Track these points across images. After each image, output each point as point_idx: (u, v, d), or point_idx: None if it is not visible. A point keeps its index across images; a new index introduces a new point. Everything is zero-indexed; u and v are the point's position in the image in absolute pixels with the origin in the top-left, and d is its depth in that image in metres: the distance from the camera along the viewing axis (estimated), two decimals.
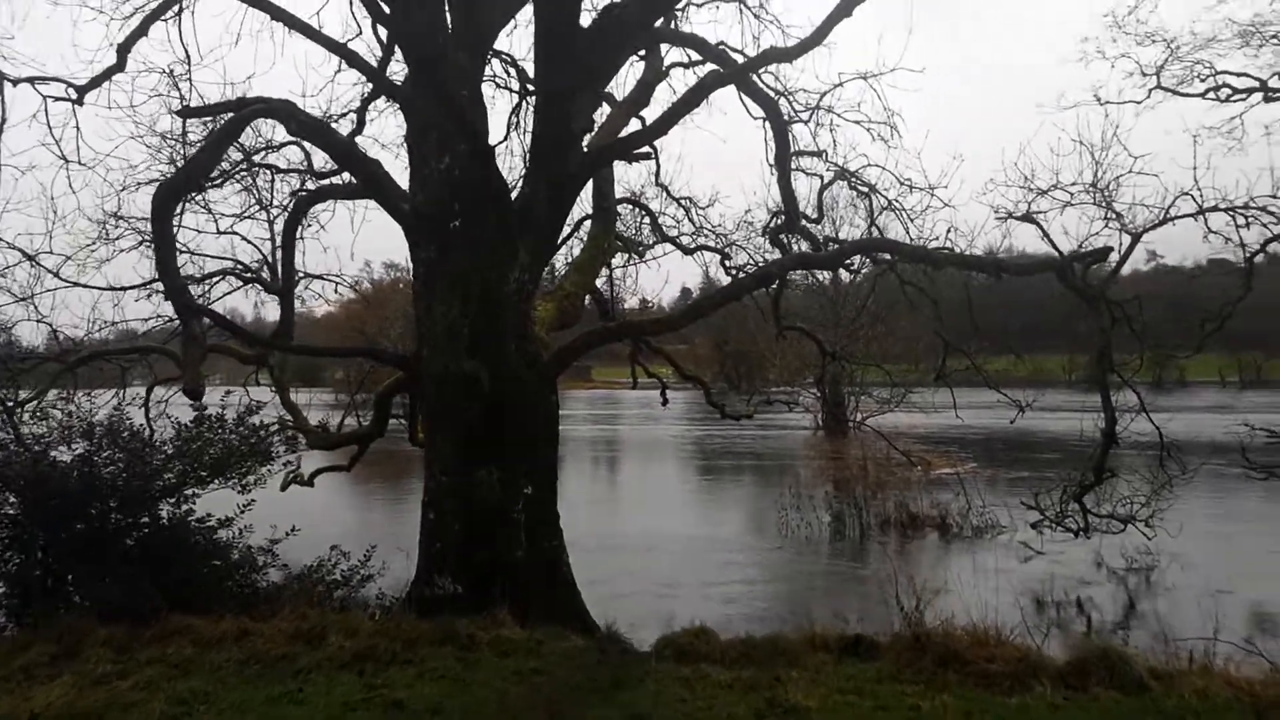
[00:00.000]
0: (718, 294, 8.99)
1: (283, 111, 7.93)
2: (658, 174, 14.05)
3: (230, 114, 8.01)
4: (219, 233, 12.02)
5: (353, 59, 8.06)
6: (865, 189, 11.78)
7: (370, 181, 8.40)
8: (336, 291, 14.72)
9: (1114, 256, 9.87)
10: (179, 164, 11.00)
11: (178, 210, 11.55)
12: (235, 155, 11.45)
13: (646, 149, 9.07)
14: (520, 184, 8.78)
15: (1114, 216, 10.24)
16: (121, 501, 7.67)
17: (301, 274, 13.75)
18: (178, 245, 11.88)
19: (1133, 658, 5.61)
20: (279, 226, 12.71)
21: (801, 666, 5.85)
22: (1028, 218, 10.11)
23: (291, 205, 10.86)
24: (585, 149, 8.83)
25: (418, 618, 7.67)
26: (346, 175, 10.07)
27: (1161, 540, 11.97)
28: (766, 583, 12.11)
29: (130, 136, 10.42)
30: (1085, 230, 10.15)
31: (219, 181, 11.63)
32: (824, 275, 35.65)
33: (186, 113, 8.28)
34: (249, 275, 11.36)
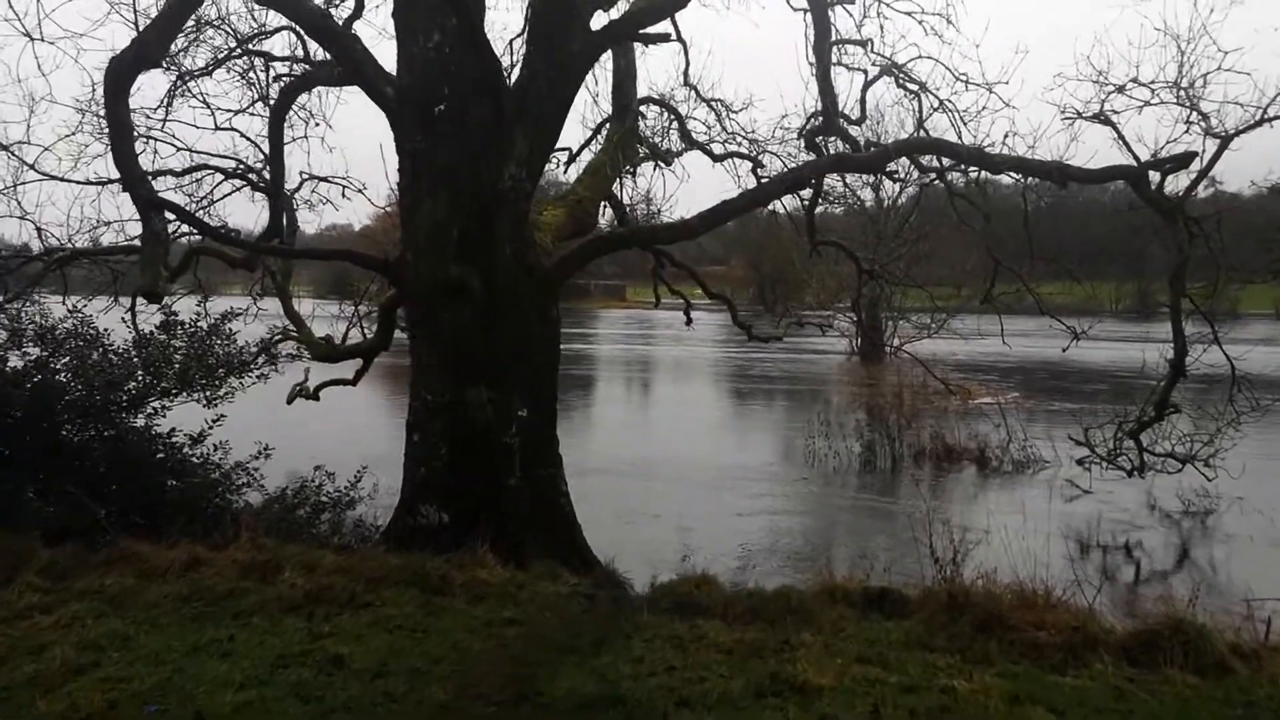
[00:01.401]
0: (741, 198, 7.95)
1: None
2: (686, 72, 12.81)
3: None
4: (216, 128, 11.11)
5: None
6: (915, 87, 10.51)
7: (347, 60, 7.41)
8: (345, 195, 13.76)
9: (1197, 164, 8.71)
10: None
11: (169, 102, 10.92)
12: (228, 42, 10.52)
13: (666, 30, 7.96)
14: (518, 66, 7.72)
15: (1200, 118, 8.97)
16: (75, 413, 6.97)
17: (305, 175, 12.93)
18: (174, 140, 11.20)
19: (1211, 634, 4.71)
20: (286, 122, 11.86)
21: (816, 626, 5.04)
22: (1100, 118, 8.86)
23: (277, 94, 9.91)
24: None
25: (397, 549, 7.00)
26: None
27: (1222, 481, 10.97)
28: (788, 515, 11.34)
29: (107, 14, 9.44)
30: (1164, 136, 8.95)
31: (209, 69, 10.69)
32: (865, 193, 34.10)
33: None
34: (235, 171, 10.44)
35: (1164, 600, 6.14)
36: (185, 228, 8.15)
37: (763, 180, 10.17)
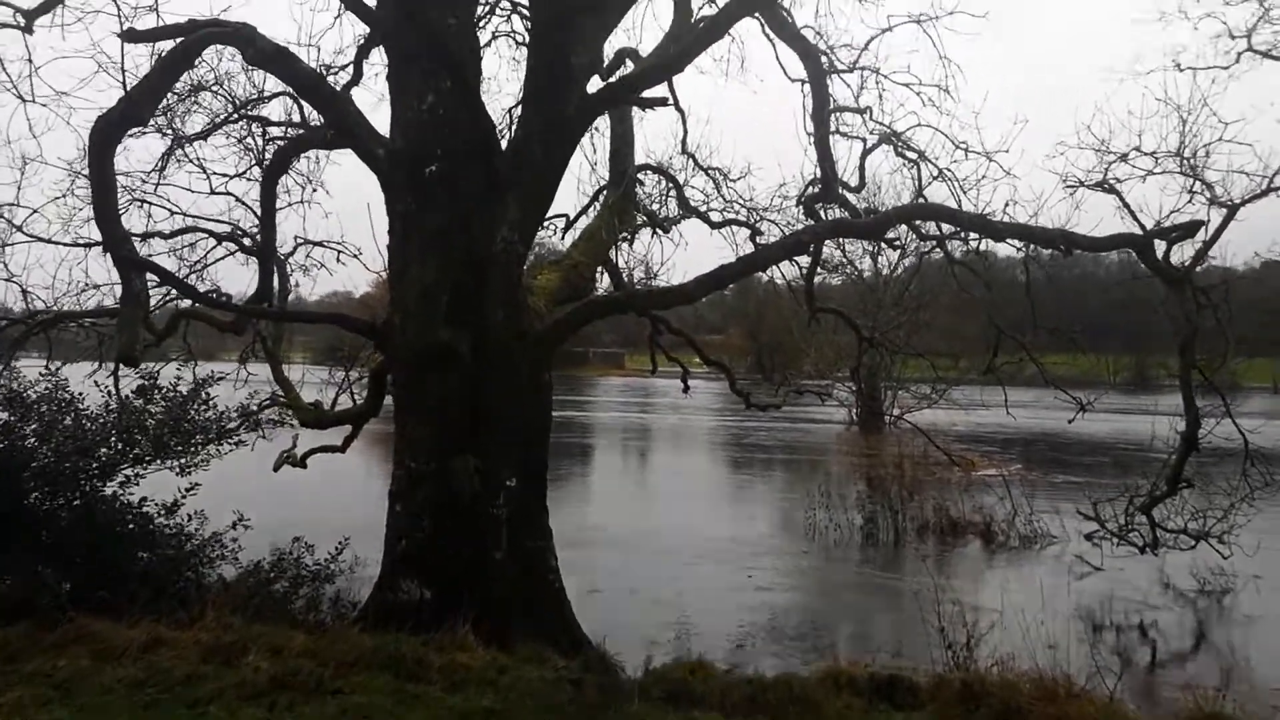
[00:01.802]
0: (739, 263, 7.77)
1: (239, 36, 6.81)
2: (684, 140, 12.83)
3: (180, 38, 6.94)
4: (212, 192, 11.00)
5: None
6: (913, 155, 10.45)
7: (339, 122, 7.28)
8: (339, 260, 13.60)
9: (1202, 233, 8.58)
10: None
11: (163, 166, 10.83)
12: (226, 107, 10.49)
13: (663, 95, 7.87)
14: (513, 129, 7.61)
15: (1204, 188, 8.89)
16: (42, 480, 6.64)
17: (300, 240, 12.81)
18: (169, 205, 11.07)
19: None
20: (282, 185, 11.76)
21: (821, 718, 4.65)
22: (1104, 186, 8.79)
23: (271, 157, 9.82)
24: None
25: (375, 628, 6.62)
26: None
27: (1237, 559, 10.59)
28: (788, 591, 10.88)
29: (98, 71, 9.38)
30: (1167, 205, 8.83)
31: (205, 133, 10.63)
32: (863, 263, 34.17)
33: (131, 36, 7.19)
34: (225, 235, 10.29)
35: (1189, 690, 5.74)
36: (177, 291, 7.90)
37: (760, 246, 10.00)
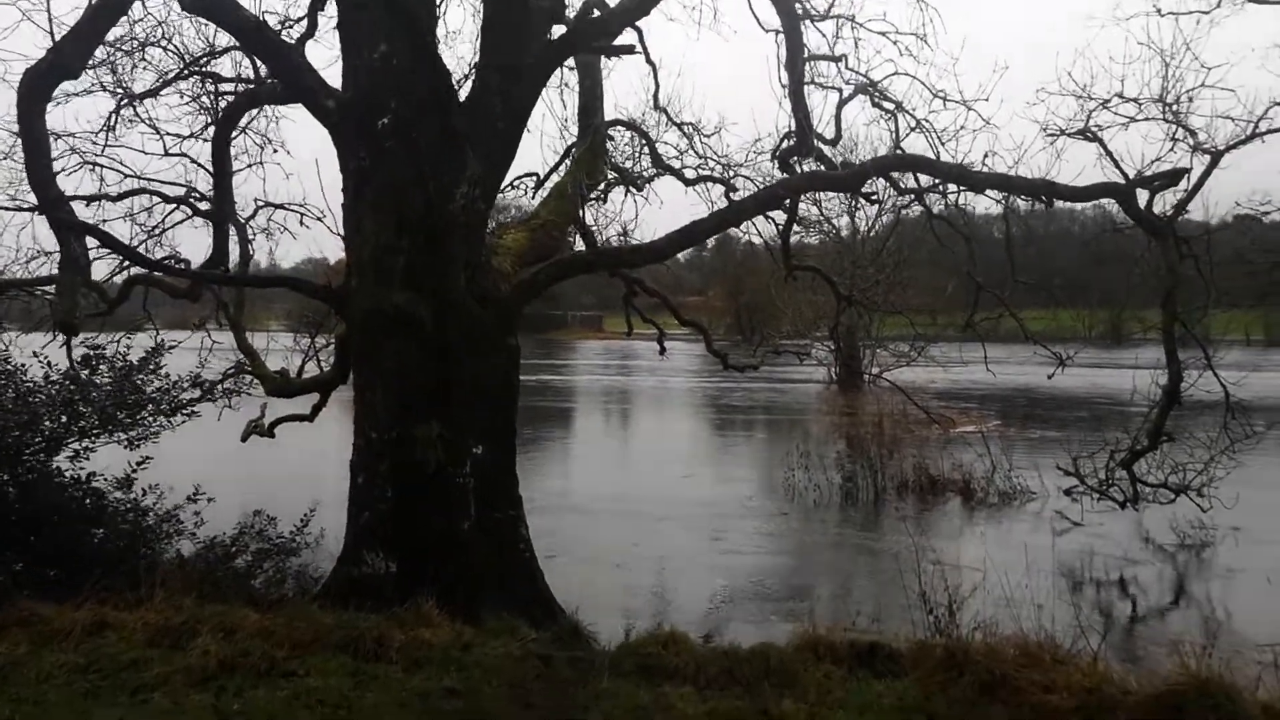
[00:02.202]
0: (712, 219, 7.47)
1: None
2: (656, 95, 12.42)
3: None
4: (166, 153, 10.50)
5: None
6: (890, 105, 10.15)
7: (284, 71, 6.88)
8: (303, 224, 13.11)
9: (1186, 182, 8.35)
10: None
11: (114, 123, 10.31)
12: (175, 64, 9.98)
13: (629, 42, 7.47)
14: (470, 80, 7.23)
15: (1187, 134, 8.63)
16: None
17: (261, 203, 12.36)
18: (121, 166, 10.57)
19: (1240, 694, 4.18)
20: (238, 147, 11.29)
21: (800, 690, 4.47)
22: (1085, 134, 8.50)
23: (221, 114, 9.37)
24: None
25: (338, 603, 6.38)
26: None
27: (1217, 512, 10.52)
28: (767, 554, 10.73)
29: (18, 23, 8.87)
30: (1150, 154, 8.59)
31: (154, 91, 10.13)
32: (840, 221, 33.88)
33: None
34: (177, 197, 9.85)
35: (1176, 649, 5.60)
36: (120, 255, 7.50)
37: (733, 201, 9.68)
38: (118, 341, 7.93)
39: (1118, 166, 8.00)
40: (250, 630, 5.00)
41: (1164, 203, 8.27)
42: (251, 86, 9.26)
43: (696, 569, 9.94)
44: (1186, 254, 8.29)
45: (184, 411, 7.55)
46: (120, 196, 9.59)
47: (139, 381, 7.18)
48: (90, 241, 6.60)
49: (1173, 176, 7.95)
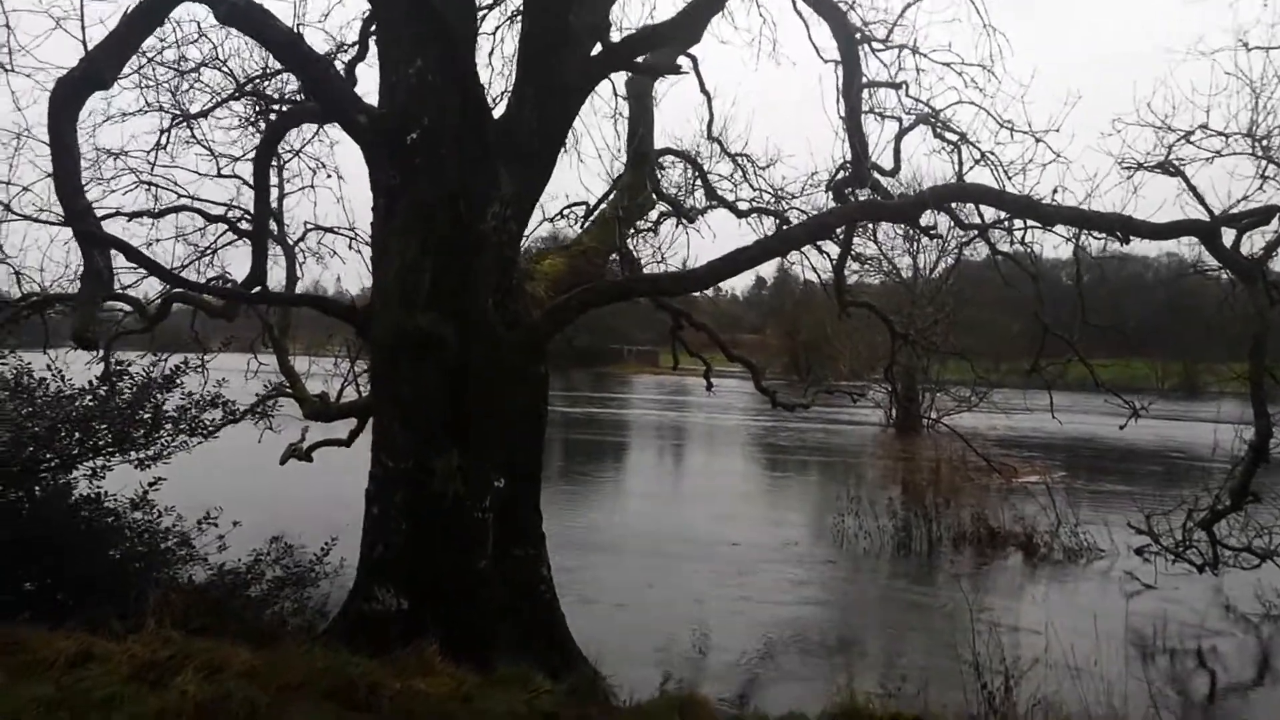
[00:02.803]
0: (756, 247, 7.03)
1: None
2: (710, 124, 12.13)
3: None
4: (219, 174, 10.51)
5: None
6: (954, 137, 9.66)
7: (317, 86, 6.70)
8: (352, 247, 13.02)
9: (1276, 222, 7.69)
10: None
11: (165, 142, 10.34)
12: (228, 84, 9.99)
13: (677, 63, 7.17)
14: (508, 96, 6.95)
15: (1278, 171, 8.00)
16: None
17: (310, 226, 12.34)
18: (175, 187, 10.58)
19: None
20: (292, 170, 11.30)
21: None
22: (1166, 167, 7.91)
23: (263, 133, 9.28)
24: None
25: (345, 640, 6.02)
26: None
27: None
28: (810, 605, 10.10)
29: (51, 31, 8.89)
30: (1236, 191, 8.01)
31: (205, 111, 10.14)
32: (901, 261, 33.15)
33: None
34: (217, 216, 9.78)
35: None
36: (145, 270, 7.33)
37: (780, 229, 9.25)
38: (161, 360, 7.79)
39: (1201, 203, 7.41)
40: (237, 669, 4.65)
41: (1252, 243, 7.64)
42: (293, 105, 9.16)
43: (733, 618, 9.39)
44: (1277, 299, 7.63)
45: (204, 433, 7.29)
46: (162, 213, 9.56)
47: (157, 400, 6.95)
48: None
49: (1263, 214, 7.30)
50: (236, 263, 13.34)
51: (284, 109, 9.70)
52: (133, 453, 6.80)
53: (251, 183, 10.29)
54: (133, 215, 9.39)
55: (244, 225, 10.27)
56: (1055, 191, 8.35)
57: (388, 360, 6.45)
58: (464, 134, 6.35)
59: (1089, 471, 22.85)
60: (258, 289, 9.49)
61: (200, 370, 8.02)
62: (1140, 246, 7.83)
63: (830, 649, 8.37)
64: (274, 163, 11.44)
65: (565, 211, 12.57)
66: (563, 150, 10.82)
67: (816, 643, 8.63)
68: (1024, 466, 21.35)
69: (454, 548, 6.30)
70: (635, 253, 11.13)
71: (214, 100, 10.09)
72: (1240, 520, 9.36)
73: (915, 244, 33.70)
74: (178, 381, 7.18)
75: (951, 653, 8.06)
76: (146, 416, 6.79)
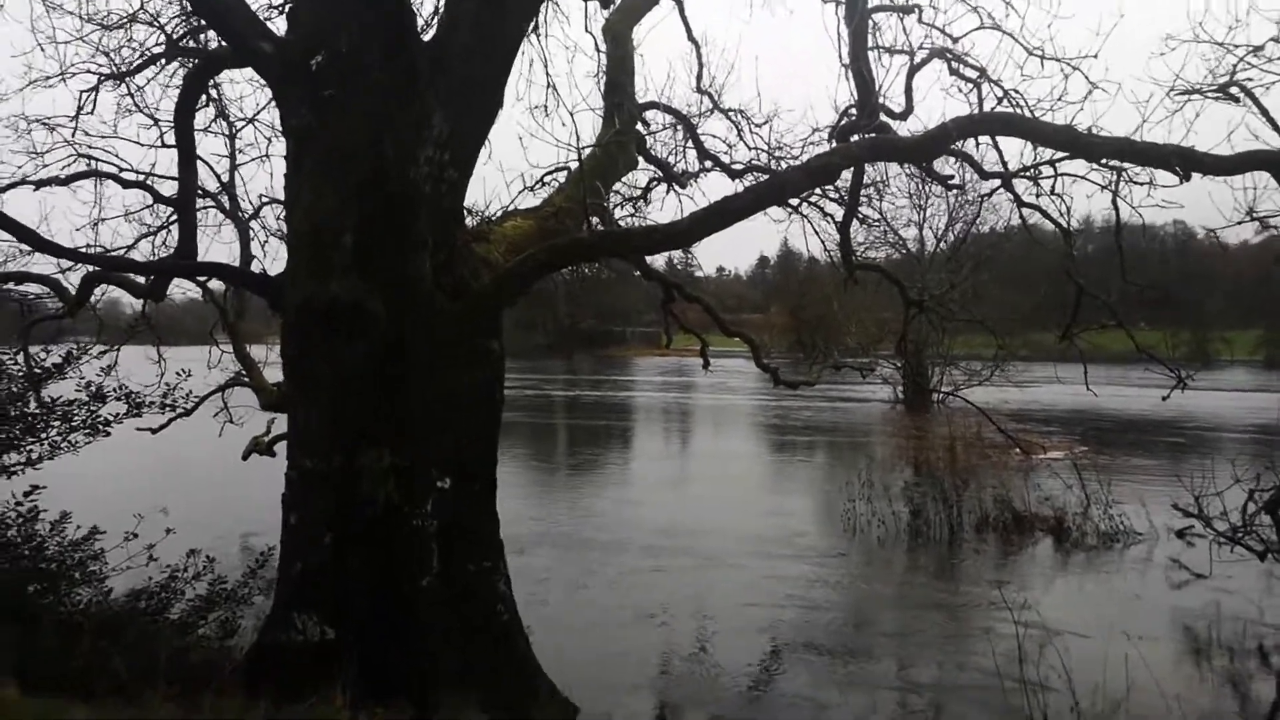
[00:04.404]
0: (747, 194, 5.90)
1: None
2: (699, 77, 10.93)
3: None
4: (161, 144, 9.37)
5: None
6: (974, 72, 8.45)
7: (214, 15, 5.55)
8: None
9: None
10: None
11: (92, 107, 9.22)
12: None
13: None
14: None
15: None
16: None
17: (266, 199, 11.27)
18: (118, 160, 9.48)
19: None
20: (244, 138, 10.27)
21: None
22: (1227, 90, 6.71)
23: (181, 86, 8.12)
24: None
25: (259, 678, 4.98)
26: None
27: None
28: (817, 610, 8.86)
29: None
30: None
31: (134, 70, 8.99)
32: (907, 233, 31.90)
33: None
34: (132, 181, 8.67)
35: None
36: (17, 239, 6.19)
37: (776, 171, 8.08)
38: (80, 349, 6.73)
39: (1275, 127, 6.22)
40: None
41: None
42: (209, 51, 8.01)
43: (734, 627, 8.28)
44: None
45: (99, 430, 6.15)
46: (71, 179, 8.41)
47: (31, 395, 5.84)
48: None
49: None
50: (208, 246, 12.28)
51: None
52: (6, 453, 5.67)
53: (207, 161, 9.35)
54: (39, 184, 8.26)
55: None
56: (1091, 129, 7.22)
57: (300, 337, 5.33)
58: (387, 61, 5.22)
59: (1111, 446, 21.64)
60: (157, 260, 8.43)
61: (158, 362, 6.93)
62: (1148, 214, 6.74)
63: (840, 664, 7.22)
64: (227, 131, 10.50)
65: (546, 179, 11.46)
66: (544, 114, 9.69)
67: (824, 656, 7.48)
68: (1044, 442, 20.22)
69: (389, 564, 5.21)
70: (614, 213, 9.97)
71: (142, 57, 8.99)
72: None
73: (922, 212, 32.51)
74: (67, 373, 6.05)
75: (981, 663, 6.99)
76: (25, 411, 5.66)
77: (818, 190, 9.80)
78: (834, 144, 8.81)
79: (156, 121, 9.32)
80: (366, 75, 5.19)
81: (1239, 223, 7.65)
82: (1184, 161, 6.01)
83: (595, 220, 9.15)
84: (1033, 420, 24.42)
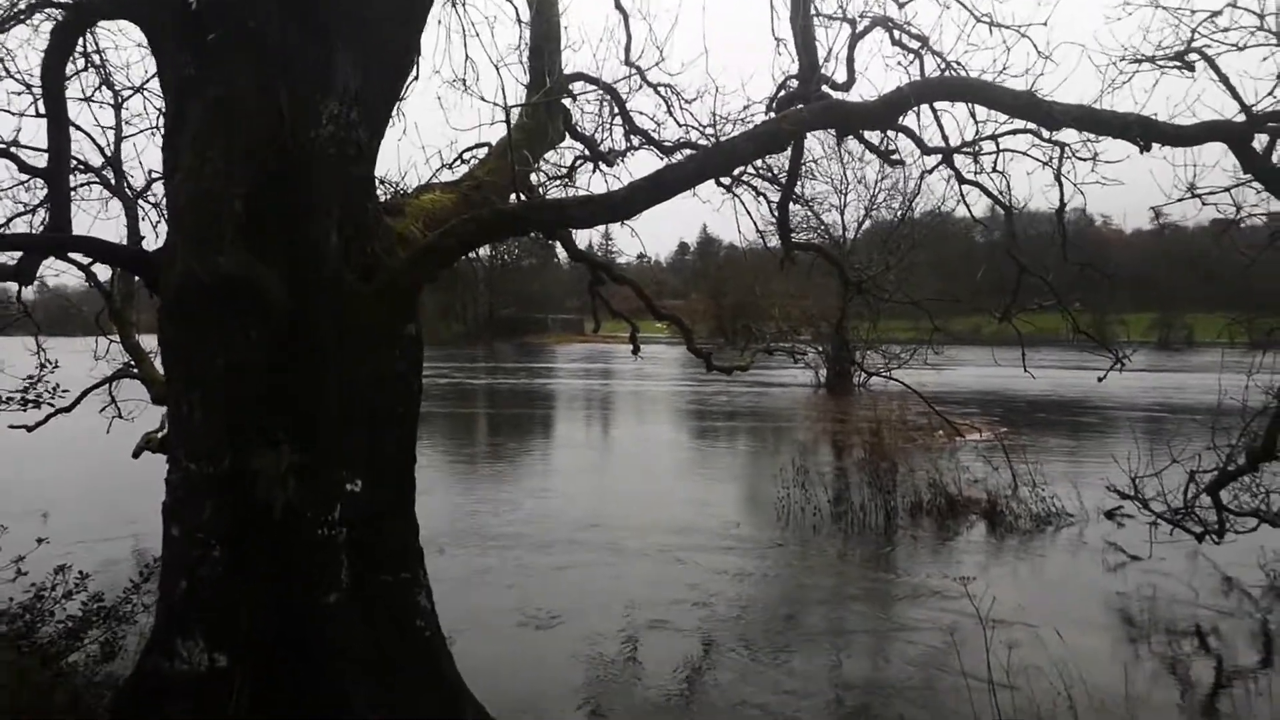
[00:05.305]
0: (690, 162, 5.42)
1: None
2: (627, 49, 10.34)
3: None
4: (38, 114, 8.35)
5: None
6: (915, 41, 8.12)
7: None
8: None
9: None
10: None
11: None
12: None
13: None
14: None
15: None
16: None
17: (156, 175, 10.35)
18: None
19: None
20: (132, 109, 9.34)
21: None
22: (1184, 59, 6.49)
23: (49, 42, 7.19)
24: None
25: (137, 714, 4.29)
26: None
27: None
28: (756, 609, 8.38)
29: None
30: (1264, 90, 6.64)
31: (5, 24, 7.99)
32: (829, 217, 31.99)
33: None
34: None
35: None
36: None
37: (719, 141, 7.58)
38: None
39: (1236, 97, 6.00)
40: None
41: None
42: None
43: (670, 621, 7.84)
44: None
45: None
46: None
47: None
48: None
49: None
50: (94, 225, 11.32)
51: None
52: None
53: (83, 128, 8.39)
54: None
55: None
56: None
57: (181, 319, 4.61)
58: (281, 2, 4.53)
59: (1029, 427, 22.03)
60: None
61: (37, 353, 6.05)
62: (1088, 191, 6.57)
63: (785, 671, 6.76)
64: (113, 101, 9.60)
65: (466, 156, 10.77)
66: (462, 91, 9.04)
67: (770, 651, 7.11)
68: (967, 424, 20.42)
69: (290, 578, 4.56)
70: (542, 189, 9.37)
71: (7, 11, 7.99)
72: (1240, 483, 8.23)
73: (843, 196, 32.67)
74: None
75: (932, 655, 6.72)
76: None
77: (751, 168, 9.44)
78: (772, 114, 8.41)
79: (30, 88, 8.45)
80: (257, 18, 4.49)
81: (1179, 199, 7.49)
82: (1145, 131, 5.73)
83: (521, 196, 8.56)
84: (950, 402, 24.69)
